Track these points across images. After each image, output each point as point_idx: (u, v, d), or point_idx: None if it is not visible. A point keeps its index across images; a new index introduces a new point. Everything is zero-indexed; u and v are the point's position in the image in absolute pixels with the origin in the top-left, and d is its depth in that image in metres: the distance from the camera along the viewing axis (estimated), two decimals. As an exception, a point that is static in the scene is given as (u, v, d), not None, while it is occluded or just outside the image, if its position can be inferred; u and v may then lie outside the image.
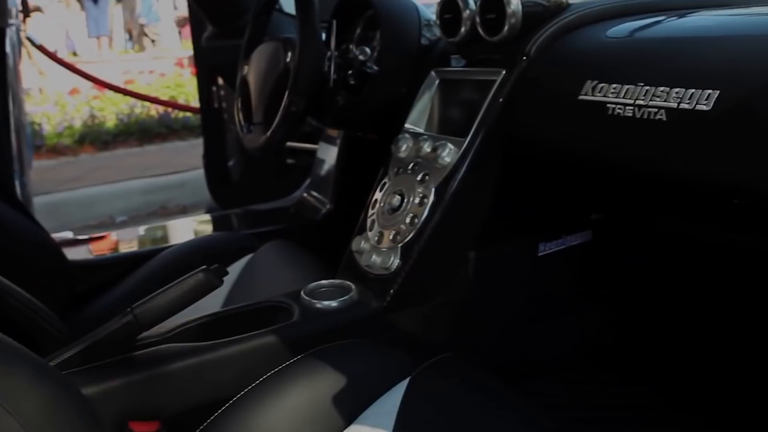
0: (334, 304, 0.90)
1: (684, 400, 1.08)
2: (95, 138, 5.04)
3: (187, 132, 5.15)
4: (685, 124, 0.67)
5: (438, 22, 1.03)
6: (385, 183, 1.03)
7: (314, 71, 1.11)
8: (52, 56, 3.45)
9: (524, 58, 0.91)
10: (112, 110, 5.32)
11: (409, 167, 1.00)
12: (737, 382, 1.11)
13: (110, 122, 5.22)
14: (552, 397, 1.09)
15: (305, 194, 1.71)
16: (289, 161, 2.10)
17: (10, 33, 2.41)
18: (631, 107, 0.72)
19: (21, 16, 2.47)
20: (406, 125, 1.08)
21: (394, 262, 0.93)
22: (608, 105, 0.75)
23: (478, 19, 0.96)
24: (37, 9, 5.71)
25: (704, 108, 0.65)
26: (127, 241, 1.70)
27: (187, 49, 5.86)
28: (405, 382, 0.77)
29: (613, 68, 0.78)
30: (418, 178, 0.97)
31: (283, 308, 0.91)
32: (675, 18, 0.86)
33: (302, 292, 0.93)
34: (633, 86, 0.73)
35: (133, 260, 1.40)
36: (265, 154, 1.18)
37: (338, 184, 1.57)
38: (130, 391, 0.76)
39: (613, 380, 1.14)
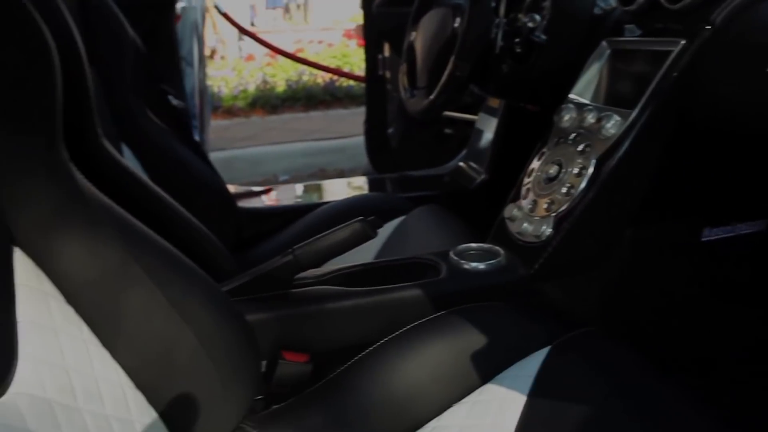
0: (481, 266, 0.92)
1: None
2: (266, 102, 5.37)
3: (350, 100, 5.32)
4: None
5: (615, -11, 1.00)
6: (543, 152, 1.02)
7: (481, 37, 1.11)
8: (236, 24, 3.69)
9: (708, 27, 0.86)
10: (282, 76, 5.63)
11: (570, 137, 0.97)
12: None
13: (280, 87, 5.53)
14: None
15: (461, 163, 1.73)
16: (447, 131, 2.13)
17: (198, 2, 2.64)
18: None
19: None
20: (571, 95, 1.05)
21: (546, 231, 0.92)
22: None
23: (659, -14, 0.91)
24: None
25: None
26: (290, 196, 1.83)
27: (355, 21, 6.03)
28: (545, 350, 0.76)
29: None
30: (579, 148, 0.95)
31: (431, 266, 0.93)
32: None
33: (451, 253, 0.95)
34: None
35: (295, 212, 1.50)
36: (427, 117, 1.20)
37: (495, 154, 1.57)
38: (285, 324, 0.83)
39: None
